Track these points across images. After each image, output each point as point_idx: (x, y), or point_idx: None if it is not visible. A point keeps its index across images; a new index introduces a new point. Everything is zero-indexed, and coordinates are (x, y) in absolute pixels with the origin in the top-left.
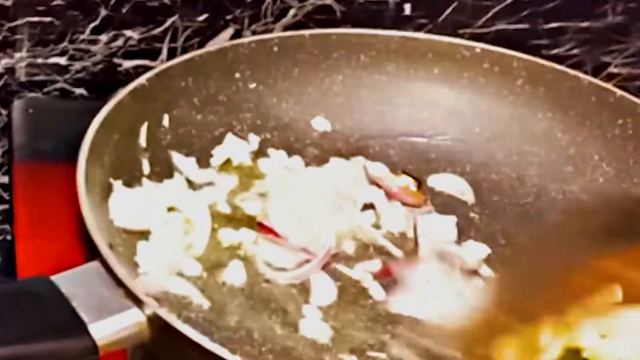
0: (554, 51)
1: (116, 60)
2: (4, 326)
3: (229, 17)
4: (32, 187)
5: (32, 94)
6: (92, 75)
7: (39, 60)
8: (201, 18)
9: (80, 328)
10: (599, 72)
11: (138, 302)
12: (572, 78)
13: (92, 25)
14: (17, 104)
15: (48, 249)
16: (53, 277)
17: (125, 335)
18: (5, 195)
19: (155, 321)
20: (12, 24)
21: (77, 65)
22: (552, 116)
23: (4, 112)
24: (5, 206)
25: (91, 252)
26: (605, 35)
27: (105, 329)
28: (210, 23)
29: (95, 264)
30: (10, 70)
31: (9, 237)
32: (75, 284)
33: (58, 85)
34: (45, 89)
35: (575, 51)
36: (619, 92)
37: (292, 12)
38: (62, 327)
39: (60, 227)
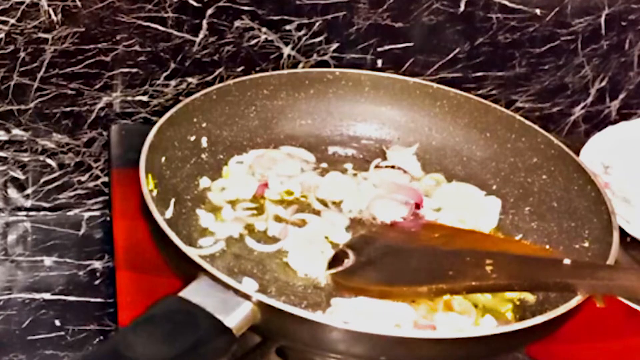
0: (480, 91)
1: (181, 98)
2: (168, 343)
3: (258, 68)
4: (124, 185)
5: (124, 121)
6: (165, 108)
7: (129, 98)
8: (239, 69)
9: (222, 325)
10: (509, 106)
11: (245, 296)
12: (492, 109)
13: (164, 74)
14: (114, 128)
15: (135, 228)
16: (180, 294)
17: (246, 321)
18: (106, 190)
19: (261, 305)
20: (110, 73)
21: (155, 101)
22: (475, 131)
23: (105, 133)
24: (106, 197)
25: (194, 269)
26: (514, 81)
27: (234, 320)
28: (246, 72)
29: (203, 277)
30: (109, 105)
31: (108, 219)
32: (197, 295)
33: (142, 115)
34: (133, 118)
35: (494, 92)
36: (522, 119)
37: (300, 65)
38: (208, 329)
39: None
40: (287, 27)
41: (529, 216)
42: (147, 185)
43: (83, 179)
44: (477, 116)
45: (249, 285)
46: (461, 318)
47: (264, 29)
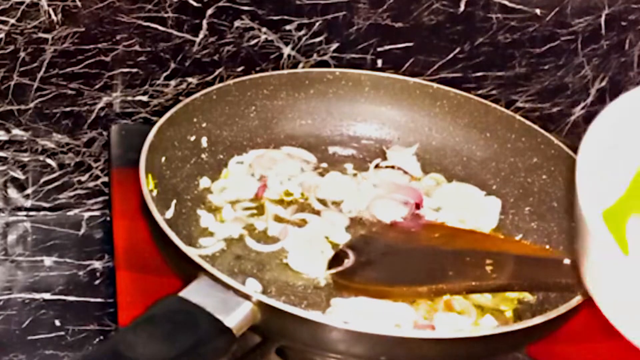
0: (480, 92)
1: (181, 98)
2: (168, 343)
3: (258, 68)
4: (124, 185)
5: (124, 121)
6: (165, 108)
7: (129, 98)
8: (239, 69)
9: (222, 325)
10: (509, 106)
11: (245, 296)
12: (492, 109)
13: (164, 74)
14: (114, 128)
15: (135, 228)
16: (180, 294)
17: (246, 321)
18: (106, 190)
19: (261, 305)
20: (110, 73)
21: (155, 101)
22: (475, 131)
23: (105, 133)
24: (106, 197)
25: (194, 269)
26: (514, 81)
27: (234, 320)
28: (246, 72)
29: (203, 277)
30: (109, 105)
31: (108, 219)
32: (197, 295)
33: (142, 115)
34: (133, 118)
35: (494, 92)
36: (522, 119)
37: (300, 65)
38: (208, 329)
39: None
40: (287, 27)
41: (529, 216)
42: (147, 185)
43: (83, 179)
44: (477, 116)
45: (252, 285)
46: (461, 318)
47: (264, 29)
